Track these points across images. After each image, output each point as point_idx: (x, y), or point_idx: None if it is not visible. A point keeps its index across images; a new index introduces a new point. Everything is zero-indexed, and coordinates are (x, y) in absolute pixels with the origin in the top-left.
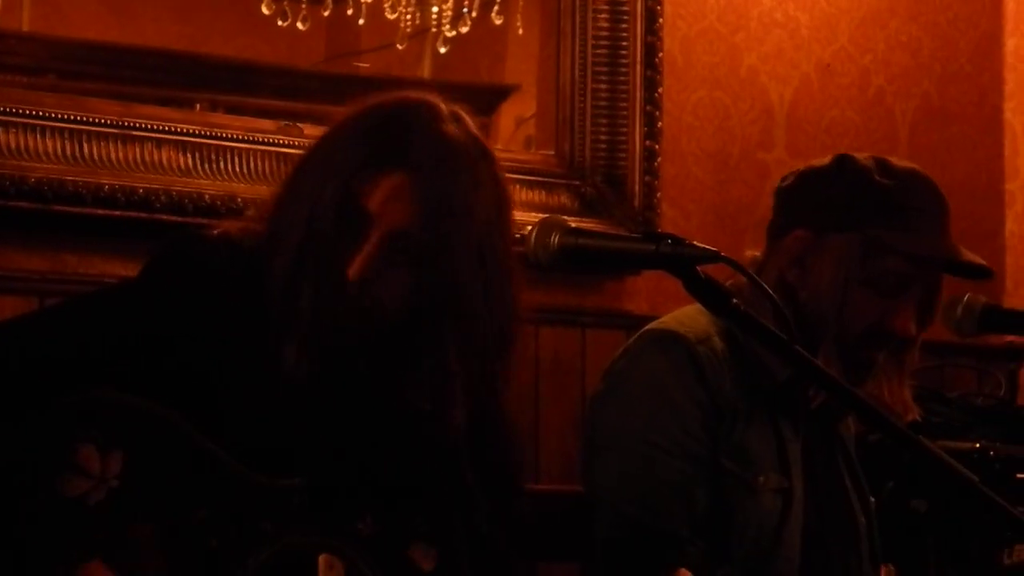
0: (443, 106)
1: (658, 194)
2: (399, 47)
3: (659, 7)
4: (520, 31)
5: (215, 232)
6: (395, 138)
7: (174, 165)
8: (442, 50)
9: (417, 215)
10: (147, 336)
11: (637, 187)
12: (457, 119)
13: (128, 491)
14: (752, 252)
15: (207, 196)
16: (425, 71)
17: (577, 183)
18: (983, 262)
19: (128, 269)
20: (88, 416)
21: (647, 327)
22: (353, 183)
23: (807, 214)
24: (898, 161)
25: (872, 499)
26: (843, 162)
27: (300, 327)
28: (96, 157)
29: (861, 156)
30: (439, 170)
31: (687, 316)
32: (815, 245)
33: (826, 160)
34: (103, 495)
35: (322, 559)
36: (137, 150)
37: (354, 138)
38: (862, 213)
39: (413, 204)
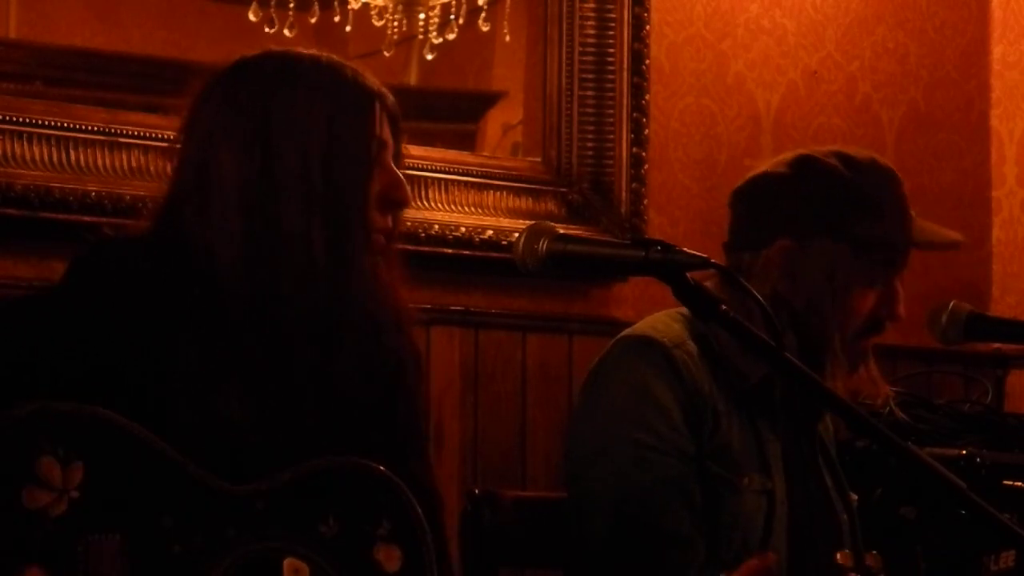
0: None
1: (645, 201)
2: (386, 54)
3: (646, 14)
4: (507, 38)
5: (132, 233)
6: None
7: (161, 172)
8: (429, 57)
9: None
10: (76, 344)
11: (624, 194)
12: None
13: (89, 502)
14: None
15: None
16: (412, 78)
17: (564, 190)
18: (957, 236)
19: None
20: (47, 428)
21: (621, 335)
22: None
23: (785, 224)
24: (857, 152)
25: (855, 497)
26: (807, 163)
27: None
28: (83, 164)
29: (821, 154)
30: None
31: (659, 322)
32: (800, 254)
33: (785, 161)
34: (64, 507)
35: (287, 563)
36: (124, 157)
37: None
38: (840, 214)
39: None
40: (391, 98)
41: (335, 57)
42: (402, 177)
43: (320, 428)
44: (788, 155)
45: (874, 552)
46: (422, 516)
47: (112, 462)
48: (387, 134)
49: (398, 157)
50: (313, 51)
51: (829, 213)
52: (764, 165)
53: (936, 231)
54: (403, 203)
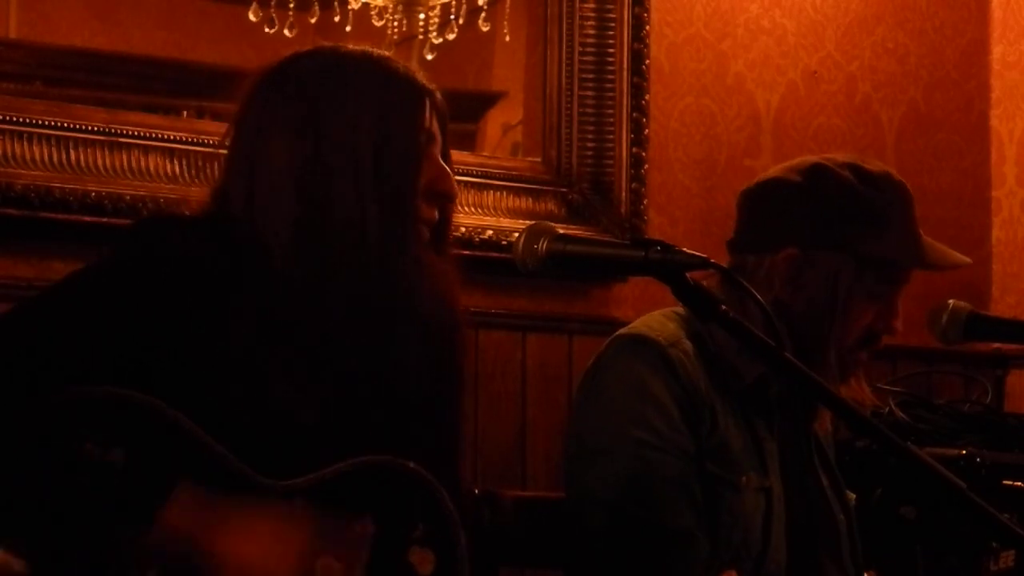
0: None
1: (645, 201)
2: (386, 54)
3: (646, 14)
4: (507, 38)
5: (185, 214)
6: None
7: (161, 172)
8: (429, 57)
9: None
10: (125, 325)
11: (624, 194)
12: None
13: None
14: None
15: (194, 203)
16: None
17: (564, 190)
18: (962, 259)
19: None
20: (89, 413)
21: (616, 334)
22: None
23: (793, 233)
24: (871, 165)
25: (853, 495)
26: (820, 174)
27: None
28: (83, 164)
29: (836, 165)
30: None
31: (655, 321)
32: (806, 263)
33: (799, 169)
34: None
35: (320, 561)
36: (124, 157)
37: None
38: (850, 229)
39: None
40: (440, 96)
41: (385, 53)
42: (449, 170)
43: (370, 418)
44: (802, 162)
45: None
46: (458, 520)
47: (152, 450)
48: (435, 128)
49: (446, 154)
50: (364, 47)
51: (838, 227)
52: (777, 170)
53: (944, 254)
54: (449, 195)
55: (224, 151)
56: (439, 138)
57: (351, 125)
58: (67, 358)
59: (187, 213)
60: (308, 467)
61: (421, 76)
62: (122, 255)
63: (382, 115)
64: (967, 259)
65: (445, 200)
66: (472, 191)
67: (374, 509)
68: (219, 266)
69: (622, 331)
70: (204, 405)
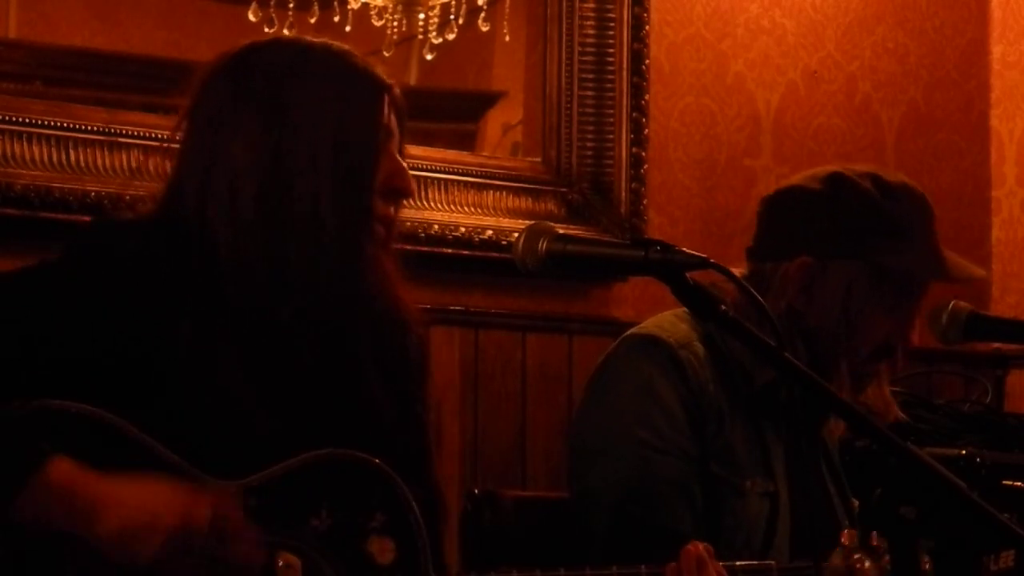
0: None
1: (645, 201)
2: (386, 54)
3: (645, 14)
4: (507, 38)
5: (131, 216)
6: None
7: (160, 172)
8: (428, 57)
9: None
10: (71, 323)
11: (624, 194)
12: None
13: None
14: (739, 270)
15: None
16: (412, 78)
17: (564, 190)
18: (980, 273)
19: None
20: (35, 425)
21: (627, 333)
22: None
23: (809, 241)
24: (890, 176)
25: (857, 503)
26: (839, 183)
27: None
28: (82, 164)
29: (855, 175)
30: None
31: (667, 322)
32: (820, 272)
33: (818, 177)
34: None
35: (279, 557)
36: (123, 157)
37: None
38: (866, 239)
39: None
40: (398, 91)
41: (345, 46)
42: (406, 167)
43: (326, 415)
44: (822, 171)
45: (875, 531)
46: (416, 508)
47: (108, 462)
48: (393, 124)
49: (401, 149)
50: (324, 40)
51: (854, 237)
52: (797, 178)
53: (961, 267)
54: (406, 192)
55: (176, 144)
56: (397, 134)
57: (312, 123)
58: (12, 362)
59: (141, 212)
60: (264, 466)
61: (380, 70)
62: (71, 257)
63: (344, 111)
64: (983, 272)
65: (401, 196)
66: (472, 191)
67: (330, 503)
68: (170, 267)
69: (633, 330)
70: (158, 407)
